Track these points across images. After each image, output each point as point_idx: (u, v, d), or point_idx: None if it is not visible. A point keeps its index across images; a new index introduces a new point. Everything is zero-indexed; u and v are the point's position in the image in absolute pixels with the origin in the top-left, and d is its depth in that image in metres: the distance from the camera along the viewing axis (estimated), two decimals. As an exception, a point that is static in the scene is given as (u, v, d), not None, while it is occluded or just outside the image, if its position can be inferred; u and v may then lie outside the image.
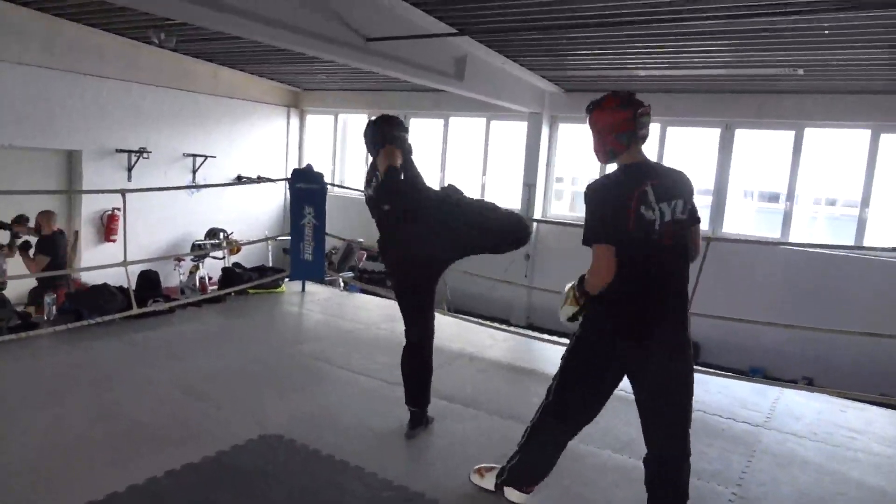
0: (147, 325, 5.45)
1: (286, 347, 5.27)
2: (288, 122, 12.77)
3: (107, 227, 9.77)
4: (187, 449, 3.32)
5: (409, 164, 3.63)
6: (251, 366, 4.73)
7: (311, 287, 7.13)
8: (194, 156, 10.92)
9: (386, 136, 3.62)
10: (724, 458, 3.76)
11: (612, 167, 2.76)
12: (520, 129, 10.62)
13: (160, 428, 3.60)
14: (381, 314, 6.38)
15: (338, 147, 12.73)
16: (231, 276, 6.84)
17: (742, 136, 9.16)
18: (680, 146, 9.54)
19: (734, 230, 9.23)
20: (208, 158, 11.04)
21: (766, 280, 8.70)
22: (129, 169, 9.95)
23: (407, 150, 3.64)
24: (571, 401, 2.82)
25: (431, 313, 3.71)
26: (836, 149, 8.83)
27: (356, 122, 12.56)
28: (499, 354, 5.50)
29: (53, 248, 6.79)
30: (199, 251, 10.02)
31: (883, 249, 7.46)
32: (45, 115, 8.78)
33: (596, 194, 2.64)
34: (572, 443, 2.96)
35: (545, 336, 6.17)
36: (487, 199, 10.94)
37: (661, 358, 2.64)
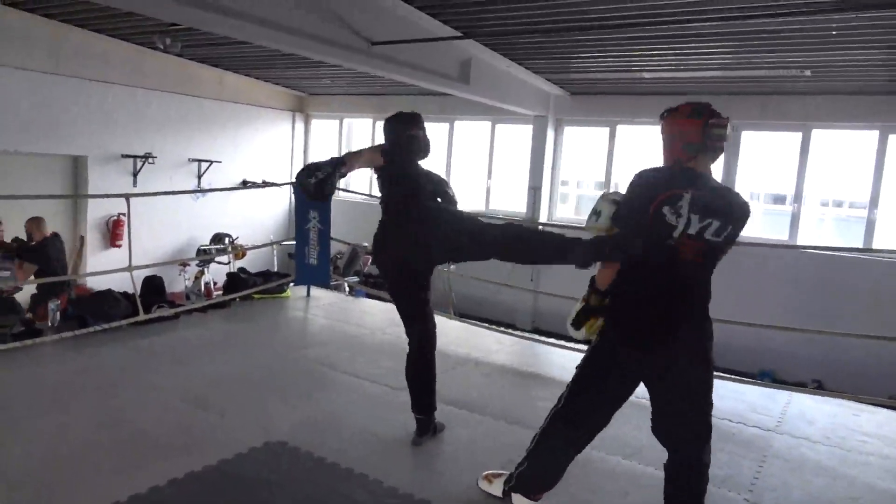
0: (152, 330, 5.44)
1: (291, 353, 5.24)
2: (293, 127, 12.77)
3: (112, 232, 9.78)
4: (191, 457, 3.29)
5: (404, 164, 3.56)
6: (256, 372, 4.71)
7: (316, 292, 7.11)
8: (200, 161, 10.92)
9: (387, 136, 3.60)
10: (735, 463, 3.71)
11: None
12: (525, 132, 10.59)
13: (164, 435, 3.58)
14: (386, 319, 6.35)
15: (343, 152, 12.67)
16: (236, 281, 6.82)
17: (749, 137, 9.11)
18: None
19: (742, 232, 9.14)
20: (214, 163, 11.04)
21: (775, 282, 8.63)
22: (135, 174, 9.95)
23: (403, 150, 3.56)
24: (581, 407, 2.78)
25: (429, 316, 3.63)
26: (844, 150, 8.76)
27: (361, 127, 12.55)
28: (505, 359, 5.46)
29: (41, 256, 6.67)
30: (205, 256, 10.02)
31: (891, 252, 7.40)
32: (51, 120, 8.79)
33: (635, 180, 2.63)
34: (581, 449, 2.93)
35: (551, 340, 6.13)
36: (494, 202, 11.00)
37: (671, 367, 2.60)
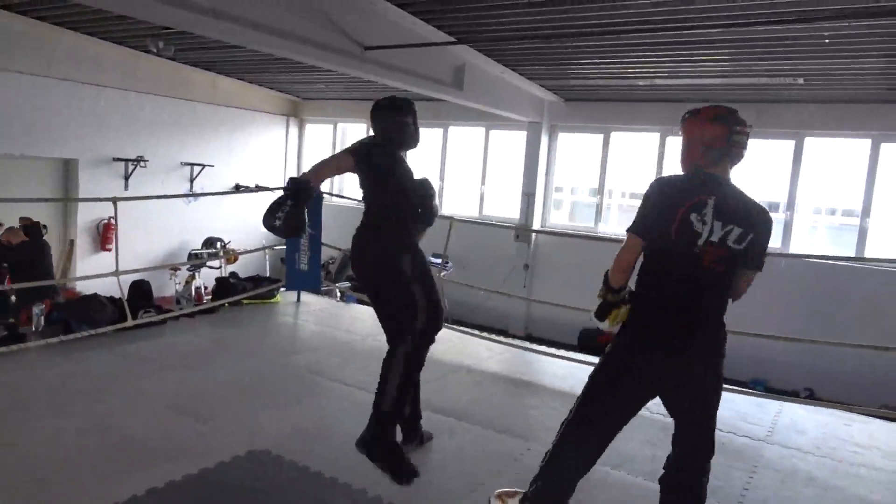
0: (139, 336, 5.37)
1: (279, 359, 5.19)
2: (287, 132, 12.74)
3: (103, 236, 9.73)
4: (176, 465, 3.23)
5: (392, 152, 3.43)
6: (243, 378, 4.65)
7: (306, 297, 7.06)
8: (192, 165, 10.88)
9: (376, 122, 3.47)
10: (726, 473, 3.67)
11: None
12: (519, 138, 10.59)
13: (150, 441, 3.53)
14: (376, 325, 6.17)
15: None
16: (225, 286, 6.77)
17: (742, 145, 9.11)
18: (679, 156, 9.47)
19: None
20: (206, 167, 11.00)
21: (767, 290, 8.59)
22: (126, 178, 9.90)
23: (391, 137, 3.43)
24: (593, 413, 2.69)
25: (406, 323, 3.42)
26: (837, 158, 8.78)
27: (355, 132, 12.52)
28: (496, 367, 5.41)
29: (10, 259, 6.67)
30: (196, 260, 9.96)
31: (883, 261, 7.39)
32: (42, 123, 8.74)
33: (654, 187, 2.58)
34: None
35: (543, 348, 6.09)
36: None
37: (686, 375, 2.58)
